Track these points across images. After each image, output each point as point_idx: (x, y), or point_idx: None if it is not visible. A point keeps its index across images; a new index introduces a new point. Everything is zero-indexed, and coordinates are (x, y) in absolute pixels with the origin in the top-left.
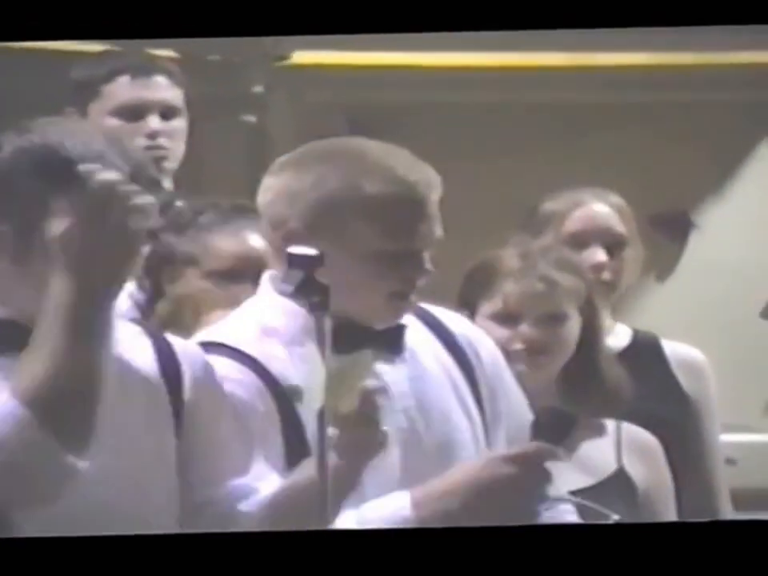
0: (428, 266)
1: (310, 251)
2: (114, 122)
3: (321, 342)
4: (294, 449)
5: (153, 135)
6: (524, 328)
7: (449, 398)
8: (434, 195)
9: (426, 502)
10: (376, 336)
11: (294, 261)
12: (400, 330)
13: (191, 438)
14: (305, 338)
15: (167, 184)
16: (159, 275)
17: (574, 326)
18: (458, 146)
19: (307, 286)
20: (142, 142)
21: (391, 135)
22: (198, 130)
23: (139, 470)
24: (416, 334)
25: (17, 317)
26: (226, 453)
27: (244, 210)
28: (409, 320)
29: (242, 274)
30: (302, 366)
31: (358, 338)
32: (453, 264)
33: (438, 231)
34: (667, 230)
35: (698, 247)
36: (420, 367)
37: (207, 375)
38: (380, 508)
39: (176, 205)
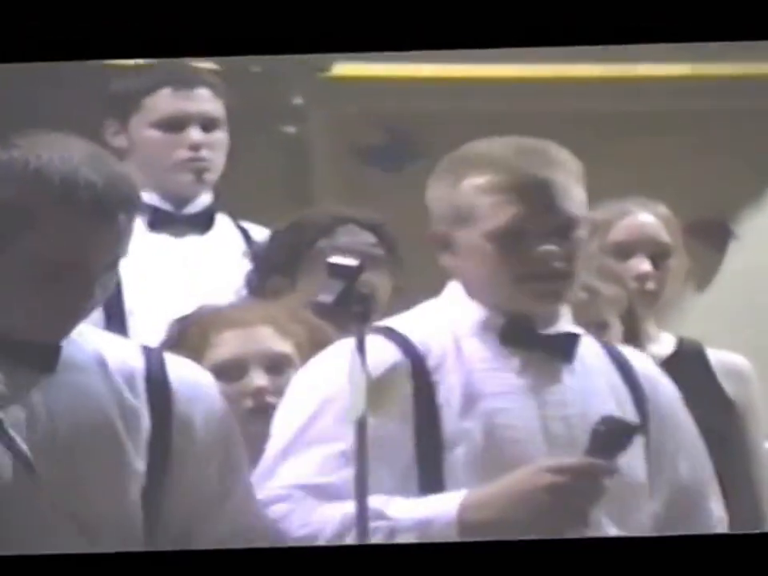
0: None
1: (351, 261)
2: (155, 134)
3: (360, 350)
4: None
5: (194, 147)
6: None
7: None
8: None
9: (475, 507)
10: (547, 339)
11: (334, 271)
12: (573, 339)
13: None
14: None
15: (208, 195)
16: None
17: (615, 335)
18: None
19: (348, 296)
20: (184, 153)
21: (427, 144)
22: (239, 140)
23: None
24: (592, 352)
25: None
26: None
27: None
28: (589, 342)
29: None
30: None
31: (529, 339)
32: None
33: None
34: (706, 239)
35: (737, 255)
36: (588, 382)
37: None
38: (428, 503)
39: None
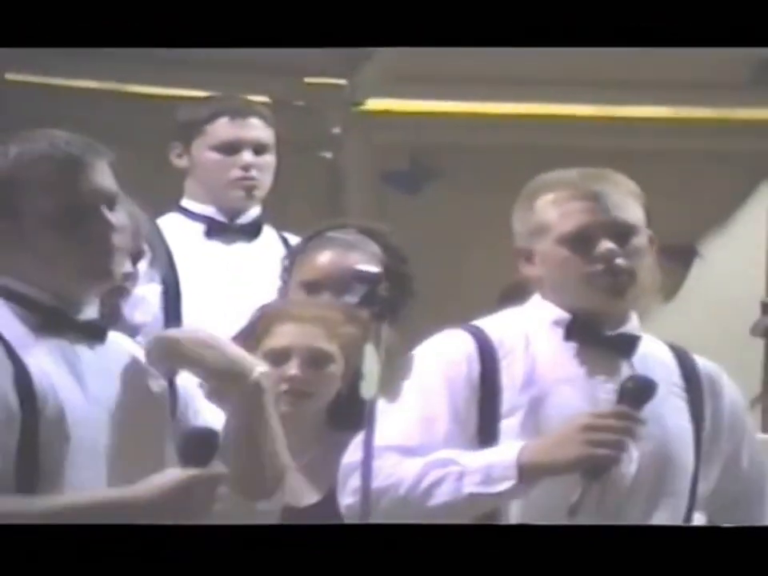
0: None
1: (374, 269)
2: (213, 156)
3: (377, 345)
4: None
5: (246, 168)
6: None
7: (666, 408)
8: None
9: (532, 451)
10: (608, 338)
11: (359, 276)
12: (633, 339)
13: None
14: None
15: (256, 209)
16: None
17: None
18: (499, 183)
19: (370, 298)
20: (237, 173)
21: (449, 172)
22: (284, 163)
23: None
24: (658, 353)
25: (37, 296)
26: None
27: (372, 232)
28: (656, 344)
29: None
30: None
31: (592, 336)
32: (495, 283)
33: None
34: (676, 258)
35: (700, 271)
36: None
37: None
38: (490, 453)
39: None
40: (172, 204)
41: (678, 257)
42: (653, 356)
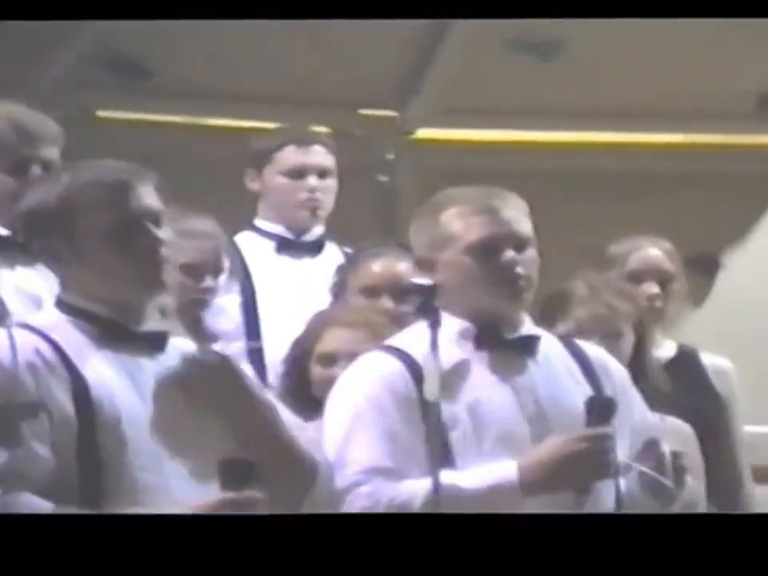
0: None
1: (427, 281)
2: (282, 180)
3: (434, 349)
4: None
5: (311, 190)
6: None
7: (575, 397)
8: None
9: (530, 469)
10: (512, 341)
11: (414, 288)
12: (535, 339)
13: None
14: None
15: (320, 227)
16: None
17: (628, 342)
18: (539, 208)
19: (425, 309)
20: (303, 195)
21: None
22: (345, 186)
23: None
24: (553, 347)
25: (96, 309)
26: None
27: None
28: (550, 339)
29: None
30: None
31: (498, 341)
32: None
33: None
34: (701, 268)
35: (724, 281)
36: (551, 369)
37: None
38: (489, 473)
39: None
40: (247, 223)
41: (703, 267)
42: (549, 351)
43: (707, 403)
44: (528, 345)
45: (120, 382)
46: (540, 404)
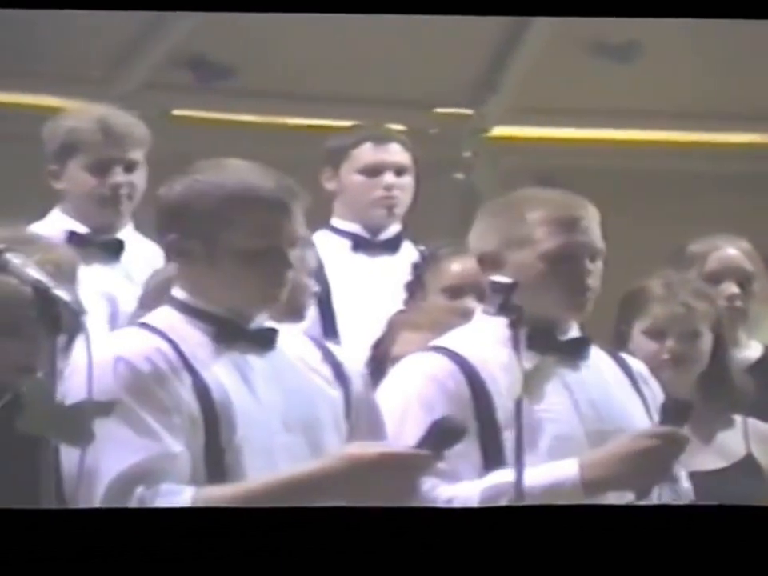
0: None
1: (508, 279)
2: (359, 178)
3: (517, 349)
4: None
5: (388, 188)
6: (669, 342)
7: (626, 401)
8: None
9: (591, 467)
10: (564, 344)
11: (495, 287)
12: (586, 341)
13: None
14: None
15: (397, 226)
16: None
17: (707, 342)
18: (613, 205)
19: (506, 307)
20: (380, 193)
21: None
22: (422, 183)
23: None
24: (597, 353)
25: (213, 309)
26: None
27: None
28: (598, 352)
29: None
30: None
31: (551, 344)
32: (615, 289)
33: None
34: None
35: None
36: (600, 373)
37: None
38: (550, 470)
39: None
40: (323, 222)
41: None
42: (597, 356)
43: None
44: (580, 347)
45: (233, 381)
46: (594, 405)
